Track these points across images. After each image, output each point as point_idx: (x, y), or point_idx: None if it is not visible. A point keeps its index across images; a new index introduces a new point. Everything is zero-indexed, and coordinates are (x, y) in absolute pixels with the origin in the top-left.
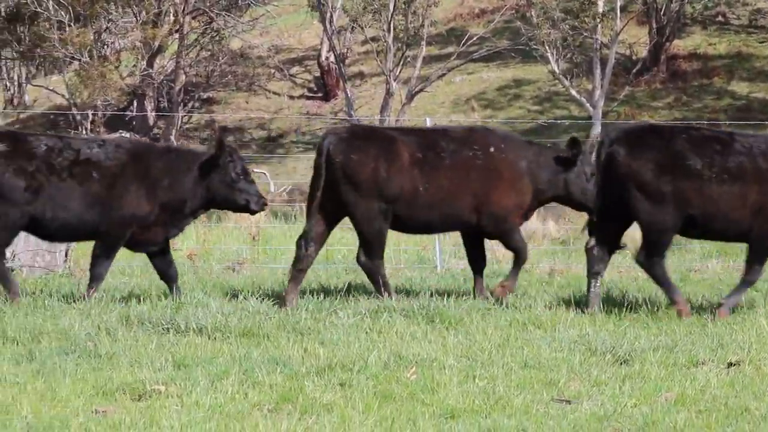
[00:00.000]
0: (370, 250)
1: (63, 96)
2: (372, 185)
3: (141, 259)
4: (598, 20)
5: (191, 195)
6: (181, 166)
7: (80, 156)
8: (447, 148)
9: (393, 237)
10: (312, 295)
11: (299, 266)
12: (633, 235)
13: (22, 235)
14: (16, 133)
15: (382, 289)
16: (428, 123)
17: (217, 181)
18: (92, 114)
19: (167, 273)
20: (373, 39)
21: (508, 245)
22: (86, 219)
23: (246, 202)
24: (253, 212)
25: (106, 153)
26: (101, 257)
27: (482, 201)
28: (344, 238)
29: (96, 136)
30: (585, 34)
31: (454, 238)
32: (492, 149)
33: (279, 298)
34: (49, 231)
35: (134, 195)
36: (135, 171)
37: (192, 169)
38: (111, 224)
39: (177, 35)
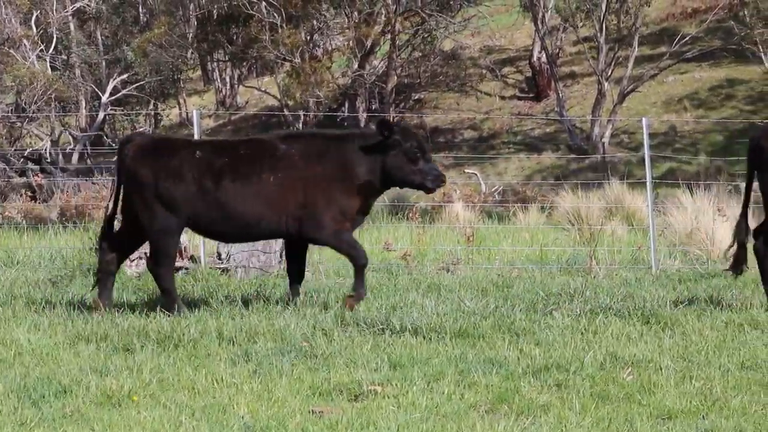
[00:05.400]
0: (157, 258)
1: (275, 97)
2: (155, 192)
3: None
4: None
5: None
6: None
7: None
8: (245, 156)
9: (608, 237)
10: (525, 296)
11: (100, 270)
12: None
13: None
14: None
15: (173, 303)
16: (644, 123)
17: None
18: (304, 114)
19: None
20: (585, 39)
21: (339, 251)
22: None
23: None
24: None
25: None
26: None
27: (283, 208)
28: (558, 238)
29: None
30: None
31: (671, 238)
32: (294, 153)
33: (491, 299)
34: None
35: None
36: None
37: None
38: None
39: (389, 36)
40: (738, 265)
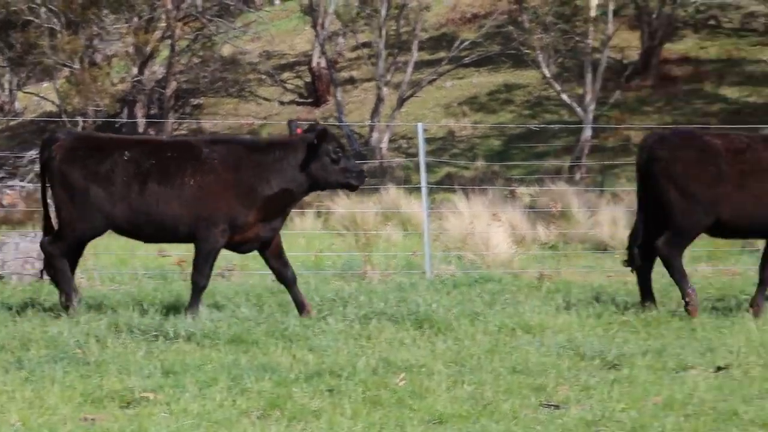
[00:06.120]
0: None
1: (53, 103)
2: (74, 188)
3: (129, 266)
4: (590, 24)
5: None
6: None
7: None
8: (161, 157)
9: (383, 242)
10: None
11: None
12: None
13: (12, 242)
14: None
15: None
16: (419, 128)
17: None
18: (82, 121)
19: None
20: (365, 44)
21: (196, 260)
22: None
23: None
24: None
25: None
26: None
27: (198, 213)
28: (334, 244)
29: None
30: (576, 38)
31: (446, 243)
32: (207, 157)
33: (268, 305)
34: None
35: None
36: None
37: None
38: None
39: (168, 41)
40: (633, 261)
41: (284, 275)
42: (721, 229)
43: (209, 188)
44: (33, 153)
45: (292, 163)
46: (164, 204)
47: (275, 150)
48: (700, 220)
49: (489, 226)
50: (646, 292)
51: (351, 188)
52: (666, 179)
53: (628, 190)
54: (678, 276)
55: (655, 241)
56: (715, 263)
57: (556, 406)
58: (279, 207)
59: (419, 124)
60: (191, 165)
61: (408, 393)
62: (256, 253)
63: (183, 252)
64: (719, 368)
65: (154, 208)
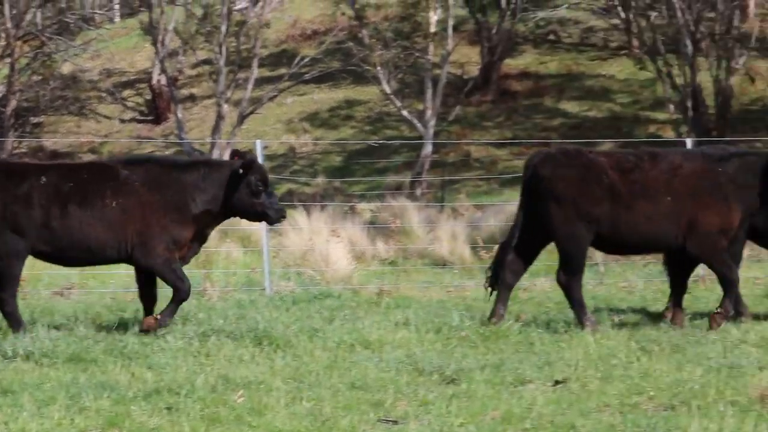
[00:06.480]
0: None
1: None
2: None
3: None
4: (430, 40)
5: None
6: None
7: None
8: (87, 181)
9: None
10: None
11: None
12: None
13: None
14: None
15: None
16: (258, 145)
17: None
18: None
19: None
20: (205, 62)
21: (165, 280)
22: None
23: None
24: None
25: None
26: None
27: (124, 235)
28: None
29: None
30: (417, 54)
31: (285, 260)
32: (134, 179)
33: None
34: None
35: None
36: None
37: None
38: None
39: (8, 60)
40: (495, 280)
41: (150, 295)
42: (603, 245)
43: (135, 210)
44: None
45: (215, 186)
46: (87, 227)
47: (198, 169)
48: (584, 238)
49: (328, 243)
50: (500, 307)
51: (268, 222)
52: (548, 198)
53: (467, 204)
54: (577, 307)
55: (527, 259)
56: (554, 278)
57: (395, 422)
58: (203, 226)
59: (258, 141)
60: (111, 187)
61: (247, 410)
62: (96, 269)
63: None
64: (557, 382)
65: (76, 233)
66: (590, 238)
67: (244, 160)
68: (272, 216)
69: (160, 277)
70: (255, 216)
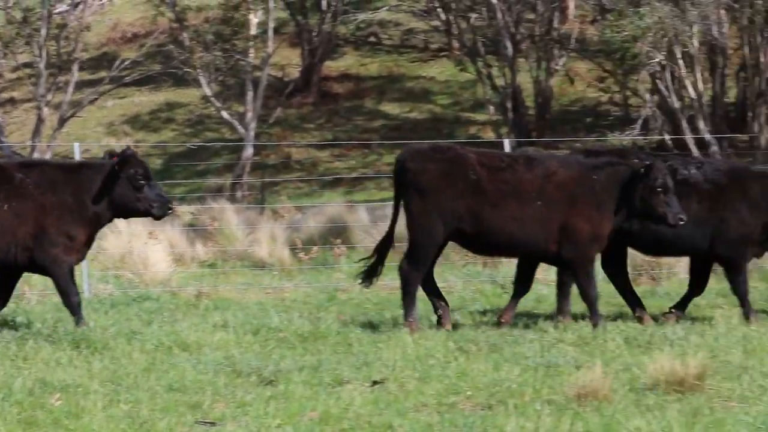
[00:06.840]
0: None
1: None
2: None
3: None
4: (250, 43)
5: None
6: None
7: None
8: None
9: None
10: None
11: None
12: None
13: None
14: None
15: None
16: (77, 149)
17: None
18: None
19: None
20: (26, 65)
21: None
22: None
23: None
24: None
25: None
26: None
27: (14, 238)
28: None
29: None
30: (237, 56)
31: (104, 263)
32: (28, 182)
33: None
34: None
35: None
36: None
37: None
38: None
39: None
40: (369, 277)
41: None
42: (468, 244)
43: (30, 213)
44: None
45: (100, 186)
46: None
47: (86, 172)
48: (437, 233)
49: (146, 245)
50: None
51: (154, 218)
52: (412, 190)
53: (287, 206)
54: (408, 301)
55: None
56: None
57: (213, 423)
58: (94, 228)
59: (76, 144)
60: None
61: (64, 413)
62: None
63: None
64: (375, 382)
65: None
66: (445, 234)
67: (122, 155)
68: (156, 209)
69: (55, 284)
70: (140, 212)
